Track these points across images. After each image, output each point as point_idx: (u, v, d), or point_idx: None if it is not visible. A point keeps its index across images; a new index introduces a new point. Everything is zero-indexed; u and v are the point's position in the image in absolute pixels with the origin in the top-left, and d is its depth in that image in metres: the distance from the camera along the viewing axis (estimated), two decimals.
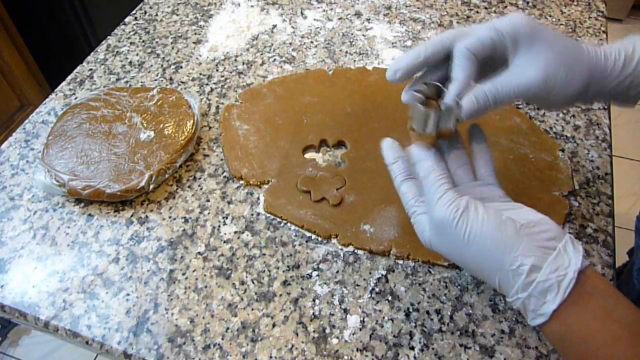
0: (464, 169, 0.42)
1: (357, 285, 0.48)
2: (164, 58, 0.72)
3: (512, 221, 0.35)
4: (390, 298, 0.47)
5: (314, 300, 0.47)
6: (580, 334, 0.33)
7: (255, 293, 0.47)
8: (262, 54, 0.72)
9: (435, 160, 0.39)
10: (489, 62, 0.41)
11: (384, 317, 0.45)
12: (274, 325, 0.45)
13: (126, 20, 0.79)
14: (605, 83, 0.40)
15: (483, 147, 0.43)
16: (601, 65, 0.40)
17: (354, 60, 0.70)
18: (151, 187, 0.54)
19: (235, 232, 0.52)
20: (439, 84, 0.41)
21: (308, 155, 0.58)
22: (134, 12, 0.81)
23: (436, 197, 0.37)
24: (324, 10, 0.79)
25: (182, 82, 0.68)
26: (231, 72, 0.69)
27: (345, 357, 0.43)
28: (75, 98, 0.66)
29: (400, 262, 0.49)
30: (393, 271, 0.48)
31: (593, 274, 0.34)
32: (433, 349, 0.44)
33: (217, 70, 0.70)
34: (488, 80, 0.39)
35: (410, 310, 0.46)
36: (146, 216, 0.53)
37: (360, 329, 0.45)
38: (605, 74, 0.40)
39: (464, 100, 0.39)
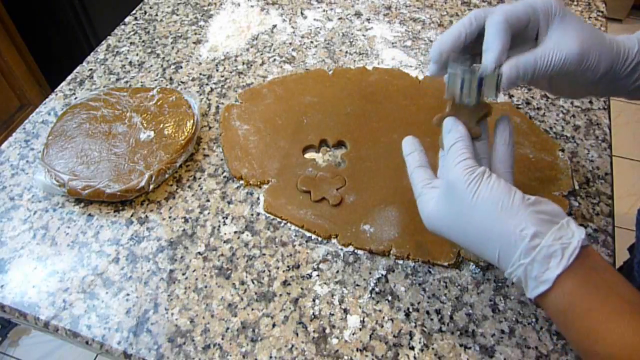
0: (484, 161, 0.42)
1: (357, 285, 0.48)
2: (164, 58, 0.72)
3: (520, 193, 0.36)
4: (390, 298, 0.47)
5: (314, 300, 0.47)
6: (582, 306, 0.33)
7: (255, 293, 0.47)
8: (262, 54, 0.72)
9: (465, 134, 0.40)
10: (518, 39, 0.41)
11: (384, 317, 0.45)
12: (274, 325, 0.45)
13: (126, 20, 0.79)
14: (619, 72, 0.41)
15: (503, 142, 0.42)
16: (620, 53, 0.41)
17: (354, 60, 0.70)
18: (151, 187, 0.54)
19: (235, 232, 0.52)
20: (472, 59, 0.41)
21: (308, 155, 0.58)
22: (134, 12, 0.81)
23: (457, 161, 0.38)
24: (324, 10, 0.79)
25: (182, 82, 0.68)
26: (231, 72, 0.69)
27: (345, 357, 0.43)
28: (75, 98, 0.66)
29: (400, 262, 0.49)
30: (393, 271, 0.48)
31: (594, 252, 0.35)
32: (433, 349, 0.44)
33: (217, 70, 0.70)
34: (527, 52, 0.39)
35: (410, 310, 0.46)
36: (146, 216, 0.53)
37: (360, 329, 0.45)
38: (621, 63, 0.41)
39: (505, 67, 0.39)
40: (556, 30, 0.40)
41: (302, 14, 0.79)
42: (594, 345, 0.33)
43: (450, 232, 0.39)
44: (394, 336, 0.44)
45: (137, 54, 0.72)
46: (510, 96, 0.64)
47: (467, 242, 0.38)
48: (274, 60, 0.71)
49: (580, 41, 0.39)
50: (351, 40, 0.74)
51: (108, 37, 0.76)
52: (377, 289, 0.47)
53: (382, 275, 0.48)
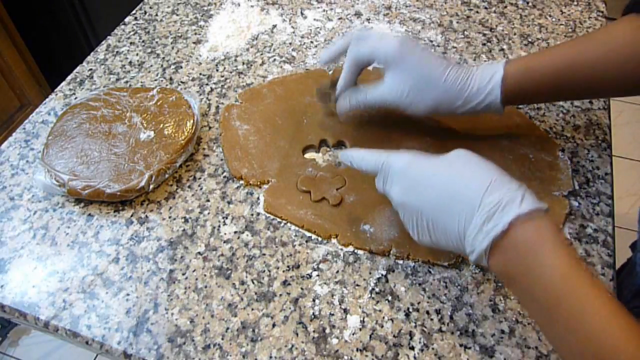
0: None
1: (357, 285, 0.48)
2: (164, 58, 0.72)
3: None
4: (390, 298, 0.47)
5: (314, 300, 0.47)
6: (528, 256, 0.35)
7: (255, 293, 0.47)
8: (262, 54, 0.72)
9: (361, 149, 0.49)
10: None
11: (384, 317, 0.45)
12: (274, 325, 0.45)
13: (126, 20, 0.79)
14: (454, 107, 0.50)
15: None
16: (454, 93, 0.49)
17: None
18: (151, 187, 0.54)
19: (235, 232, 0.52)
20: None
21: (308, 155, 0.58)
22: (134, 12, 0.81)
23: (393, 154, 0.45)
24: (324, 10, 0.79)
25: (182, 82, 0.68)
26: (231, 72, 0.69)
27: (345, 357, 0.43)
28: (75, 98, 0.66)
29: (400, 262, 0.49)
30: (393, 271, 0.48)
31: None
32: (433, 349, 0.44)
33: (217, 70, 0.70)
34: (364, 88, 0.53)
35: (410, 310, 0.46)
36: (146, 216, 0.53)
37: (360, 329, 0.45)
38: (455, 101, 0.50)
39: (339, 100, 0.55)
40: (389, 74, 0.51)
41: (302, 14, 0.79)
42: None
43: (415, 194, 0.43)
44: (394, 336, 0.44)
45: (137, 54, 0.72)
46: None
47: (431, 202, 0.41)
48: (274, 60, 0.71)
49: (398, 88, 0.51)
50: None
51: (108, 37, 0.76)
52: (377, 289, 0.47)
53: (382, 275, 0.48)
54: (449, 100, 0.50)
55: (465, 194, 0.38)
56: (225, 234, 0.52)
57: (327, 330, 0.45)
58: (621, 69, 0.46)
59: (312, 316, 0.46)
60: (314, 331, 0.45)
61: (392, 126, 0.60)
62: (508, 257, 0.36)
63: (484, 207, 0.37)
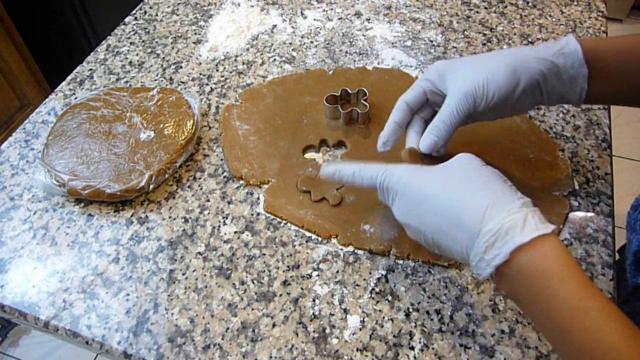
0: None
1: (357, 285, 0.48)
2: (164, 58, 0.72)
3: None
4: (390, 298, 0.47)
5: (314, 300, 0.47)
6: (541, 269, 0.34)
7: (255, 293, 0.47)
8: (262, 54, 0.72)
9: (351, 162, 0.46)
10: (438, 102, 0.47)
11: (384, 317, 0.45)
12: (274, 325, 0.45)
13: (126, 20, 0.79)
14: (531, 67, 0.44)
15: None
16: (524, 52, 0.44)
17: (354, 60, 0.70)
18: (151, 187, 0.54)
19: (235, 232, 0.52)
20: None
21: (308, 155, 0.58)
22: (134, 12, 0.81)
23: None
24: (324, 10, 0.79)
25: (182, 82, 0.68)
26: (231, 72, 0.69)
27: (345, 357, 0.43)
28: (75, 98, 0.66)
29: (400, 262, 0.49)
30: (393, 271, 0.48)
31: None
32: (433, 349, 0.44)
33: (217, 70, 0.70)
34: (435, 119, 0.46)
35: (410, 310, 0.46)
36: (146, 216, 0.53)
37: (360, 329, 0.45)
38: (529, 58, 0.44)
39: (423, 140, 0.46)
40: (450, 89, 0.45)
41: (302, 14, 0.79)
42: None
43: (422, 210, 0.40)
44: (394, 336, 0.44)
45: (137, 54, 0.72)
46: None
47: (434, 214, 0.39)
48: (274, 60, 0.71)
49: (463, 88, 0.44)
50: (351, 40, 0.74)
51: (108, 37, 0.76)
52: (377, 289, 0.47)
53: (382, 275, 0.48)
54: (525, 60, 0.44)
55: (464, 221, 0.36)
56: (225, 234, 0.52)
57: (327, 330, 0.45)
58: None
59: (312, 316, 0.46)
60: (314, 331, 0.45)
61: None
62: (514, 283, 0.35)
63: (483, 237, 0.35)
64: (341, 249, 0.50)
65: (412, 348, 0.44)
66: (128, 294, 0.47)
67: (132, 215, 0.53)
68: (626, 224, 0.55)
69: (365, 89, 0.61)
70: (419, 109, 0.49)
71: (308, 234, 0.51)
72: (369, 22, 0.77)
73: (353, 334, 0.44)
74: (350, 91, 0.61)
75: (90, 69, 0.70)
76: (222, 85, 0.67)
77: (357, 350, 0.44)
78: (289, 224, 0.52)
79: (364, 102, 0.60)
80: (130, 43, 0.74)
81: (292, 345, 0.44)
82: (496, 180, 0.38)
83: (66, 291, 0.48)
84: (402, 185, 0.40)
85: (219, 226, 0.52)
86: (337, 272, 0.48)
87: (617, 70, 0.45)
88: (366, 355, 0.43)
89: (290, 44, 0.73)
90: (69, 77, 0.69)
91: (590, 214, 0.52)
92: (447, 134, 0.45)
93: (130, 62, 0.71)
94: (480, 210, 0.35)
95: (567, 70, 0.44)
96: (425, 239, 0.40)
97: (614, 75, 0.45)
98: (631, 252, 0.53)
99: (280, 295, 0.47)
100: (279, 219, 0.52)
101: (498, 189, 0.37)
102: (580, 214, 0.52)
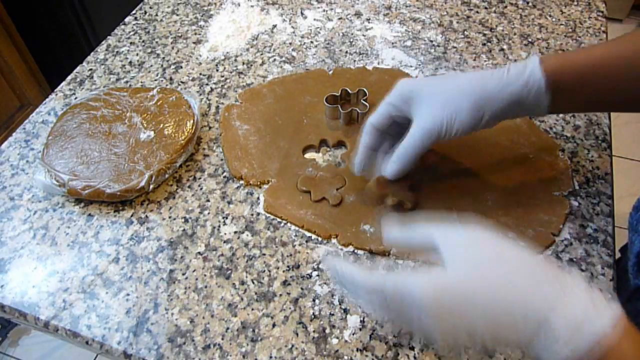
0: None
1: None
2: (164, 58, 0.72)
3: None
4: None
5: (314, 300, 0.47)
6: None
7: (255, 293, 0.47)
8: (262, 54, 0.72)
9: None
10: (403, 123, 0.49)
11: (384, 317, 0.45)
12: (274, 325, 0.45)
13: (126, 20, 0.79)
14: (495, 103, 0.45)
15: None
16: (489, 88, 0.44)
17: (354, 60, 0.70)
18: (151, 187, 0.54)
19: (235, 232, 0.52)
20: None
21: (308, 155, 0.58)
22: (134, 12, 0.81)
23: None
24: (324, 10, 0.79)
25: (182, 82, 0.68)
26: (231, 72, 0.69)
27: (345, 357, 0.43)
28: (75, 98, 0.66)
29: (400, 262, 0.49)
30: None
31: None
32: (433, 349, 0.44)
33: (217, 70, 0.70)
34: (399, 143, 0.47)
35: None
36: (146, 216, 0.53)
37: (360, 329, 0.45)
38: (494, 95, 0.44)
39: (388, 167, 0.48)
40: (416, 114, 0.46)
41: (302, 14, 0.79)
42: None
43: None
44: (394, 336, 0.44)
45: (137, 54, 0.72)
46: None
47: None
48: (274, 60, 0.71)
49: (432, 116, 0.45)
50: (351, 40, 0.74)
51: (108, 37, 0.76)
52: None
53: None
54: (488, 96, 0.45)
55: (527, 312, 0.32)
56: (225, 234, 0.52)
57: (327, 330, 0.45)
58: None
59: (312, 316, 0.46)
60: (314, 331, 0.45)
61: None
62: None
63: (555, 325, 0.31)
64: (341, 249, 0.50)
65: (412, 348, 0.44)
66: (128, 294, 0.47)
67: (132, 215, 0.53)
68: (628, 225, 0.55)
69: (365, 89, 0.61)
70: (387, 128, 0.50)
71: (308, 234, 0.51)
72: (369, 22, 0.77)
73: (353, 334, 0.44)
74: (350, 91, 0.61)
75: (90, 69, 0.70)
76: (222, 85, 0.67)
77: (357, 350, 0.44)
78: (289, 224, 0.52)
79: (364, 102, 0.60)
80: (130, 43, 0.74)
81: (292, 345, 0.44)
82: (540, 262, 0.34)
83: (66, 291, 0.48)
84: (430, 301, 0.33)
85: (219, 226, 0.52)
86: None
87: (578, 94, 0.46)
88: (366, 355, 0.43)
89: (290, 44, 0.73)
90: (69, 77, 0.69)
91: (590, 214, 0.52)
92: (411, 162, 0.47)
93: (130, 62, 0.71)
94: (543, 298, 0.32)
95: (530, 100, 0.45)
96: (475, 340, 0.34)
97: (575, 98, 0.46)
98: (634, 254, 0.52)
99: (280, 295, 0.47)
100: (279, 219, 0.52)
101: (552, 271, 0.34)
102: (580, 214, 0.52)
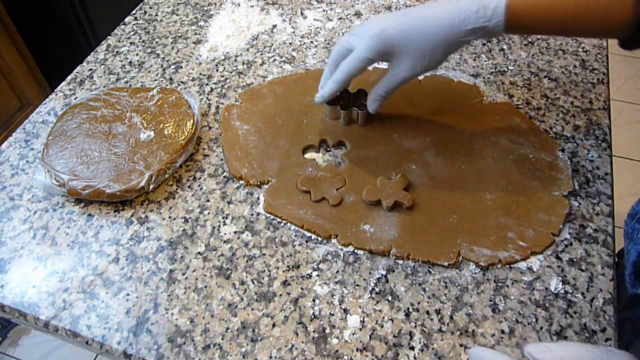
0: None
1: (357, 285, 0.48)
2: (164, 58, 0.72)
3: None
4: (390, 298, 0.47)
5: (314, 300, 0.47)
6: None
7: (255, 293, 0.47)
8: (262, 54, 0.72)
9: None
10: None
11: (384, 317, 0.45)
12: (274, 325, 0.45)
13: (126, 20, 0.79)
14: (461, 45, 0.50)
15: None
16: (460, 36, 0.48)
17: None
18: (151, 187, 0.54)
19: (235, 232, 0.52)
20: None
21: (308, 155, 0.58)
22: (134, 12, 0.81)
23: None
24: (324, 10, 0.79)
25: (182, 82, 0.68)
26: (231, 72, 0.69)
27: (345, 357, 0.43)
28: (75, 98, 0.66)
29: (400, 262, 0.49)
30: (393, 271, 0.48)
31: None
32: (433, 349, 0.44)
33: (217, 70, 0.70)
34: (378, 84, 0.54)
35: (410, 310, 0.46)
36: (146, 216, 0.53)
37: (360, 329, 0.45)
38: (463, 40, 0.49)
39: (371, 105, 0.56)
40: (394, 64, 0.51)
41: (302, 14, 0.79)
42: None
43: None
44: (394, 336, 0.44)
45: (137, 54, 0.72)
46: (510, 96, 0.64)
47: None
48: (274, 60, 0.71)
49: (409, 66, 0.50)
50: None
51: (108, 37, 0.76)
52: (377, 289, 0.47)
53: (382, 275, 0.48)
54: (459, 42, 0.49)
55: None
56: (225, 234, 0.52)
57: (327, 330, 0.45)
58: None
59: (312, 316, 0.46)
60: (314, 331, 0.45)
61: (392, 126, 0.60)
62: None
63: None
64: (341, 249, 0.50)
65: (412, 348, 0.44)
66: (128, 294, 0.47)
67: (132, 215, 0.53)
68: (624, 233, 0.55)
69: (365, 89, 0.61)
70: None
71: (308, 234, 0.51)
72: None
73: (353, 334, 0.44)
74: (350, 91, 0.61)
75: (90, 69, 0.70)
76: (222, 85, 0.67)
77: (357, 350, 0.44)
78: (289, 224, 0.52)
79: (363, 102, 0.60)
80: (130, 43, 0.74)
81: (292, 345, 0.44)
82: None
83: (66, 291, 0.48)
84: None
85: (219, 226, 0.52)
86: (337, 272, 0.48)
87: (532, 28, 0.51)
88: (366, 355, 0.43)
89: (290, 44, 0.73)
90: (69, 77, 0.69)
91: (590, 214, 0.52)
92: (387, 99, 0.55)
93: (130, 62, 0.71)
94: None
95: (488, 32, 0.49)
96: None
97: (529, 30, 0.52)
98: (630, 263, 0.52)
99: (280, 295, 0.47)
100: (279, 219, 0.52)
101: None
102: (580, 214, 0.52)
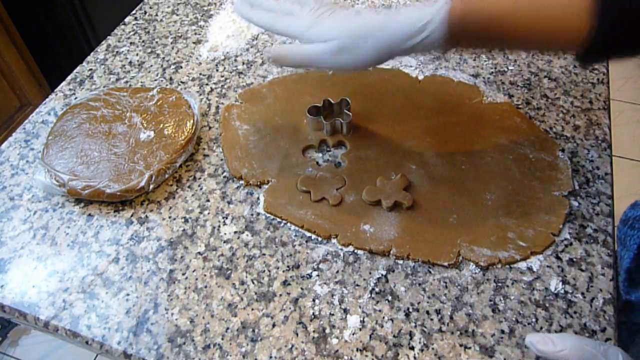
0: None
1: (357, 285, 0.48)
2: (164, 58, 0.72)
3: None
4: (390, 298, 0.47)
5: (314, 300, 0.47)
6: None
7: (255, 293, 0.47)
8: (262, 54, 0.72)
9: None
10: None
11: (384, 317, 0.45)
12: (274, 325, 0.45)
13: (126, 20, 0.79)
14: (398, 50, 0.46)
15: None
16: (397, 44, 0.46)
17: None
18: (151, 187, 0.54)
19: (235, 232, 0.52)
20: None
21: (308, 155, 0.58)
22: (134, 12, 0.81)
23: None
24: None
25: (182, 82, 0.68)
26: (231, 72, 0.69)
27: (345, 357, 0.43)
28: (75, 98, 0.66)
29: (400, 262, 0.49)
30: (393, 271, 0.48)
31: None
32: (433, 349, 0.44)
33: (217, 70, 0.70)
34: (297, 45, 0.48)
35: (410, 310, 0.46)
36: (146, 216, 0.53)
37: (360, 329, 0.45)
38: (400, 50, 0.46)
39: (273, 48, 0.50)
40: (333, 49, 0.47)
41: None
42: None
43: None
44: (394, 336, 0.44)
45: (137, 54, 0.72)
46: (510, 96, 0.64)
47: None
48: None
49: (334, 49, 0.46)
50: None
51: (108, 37, 0.76)
52: (377, 289, 0.47)
53: (382, 275, 0.48)
54: (393, 43, 0.46)
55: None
56: (225, 234, 0.52)
57: (327, 330, 0.45)
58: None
59: (312, 316, 0.46)
60: (314, 331, 0.45)
61: (392, 127, 0.60)
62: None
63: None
64: (341, 249, 0.50)
65: (412, 348, 0.44)
66: (128, 294, 0.47)
67: (132, 215, 0.53)
68: (617, 239, 0.55)
69: (348, 98, 0.60)
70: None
71: (308, 234, 0.51)
72: None
73: (353, 334, 0.44)
74: (332, 101, 0.60)
75: (90, 69, 0.70)
76: (222, 85, 0.67)
77: (357, 350, 0.44)
78: (289, 224, 0.52)
79: (347, 111, 0.59)
80: (130, 43, 0.74)
81: (292, 345, 0.44)
82: None
83: (66, 291, 0.48)
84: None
85: (219, 226, 0.52)
86: (337, 272, 0.48)
87: (475, 43, 0.49)
88: (366, 355, 0.43)
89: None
90: (69, 77, 0.69)
91: (590, 214, 0.52)
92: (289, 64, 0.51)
93: (130, 62, 0.71)
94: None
95: (428, 47, 0.46)
96: None
97: (472, 44, 0.50)
98: (623, 269, 0.52)
99: (280, 295, 0.47)
100: (279, 219, 0.52)
101: None
102: (580, 214, 0.52)
